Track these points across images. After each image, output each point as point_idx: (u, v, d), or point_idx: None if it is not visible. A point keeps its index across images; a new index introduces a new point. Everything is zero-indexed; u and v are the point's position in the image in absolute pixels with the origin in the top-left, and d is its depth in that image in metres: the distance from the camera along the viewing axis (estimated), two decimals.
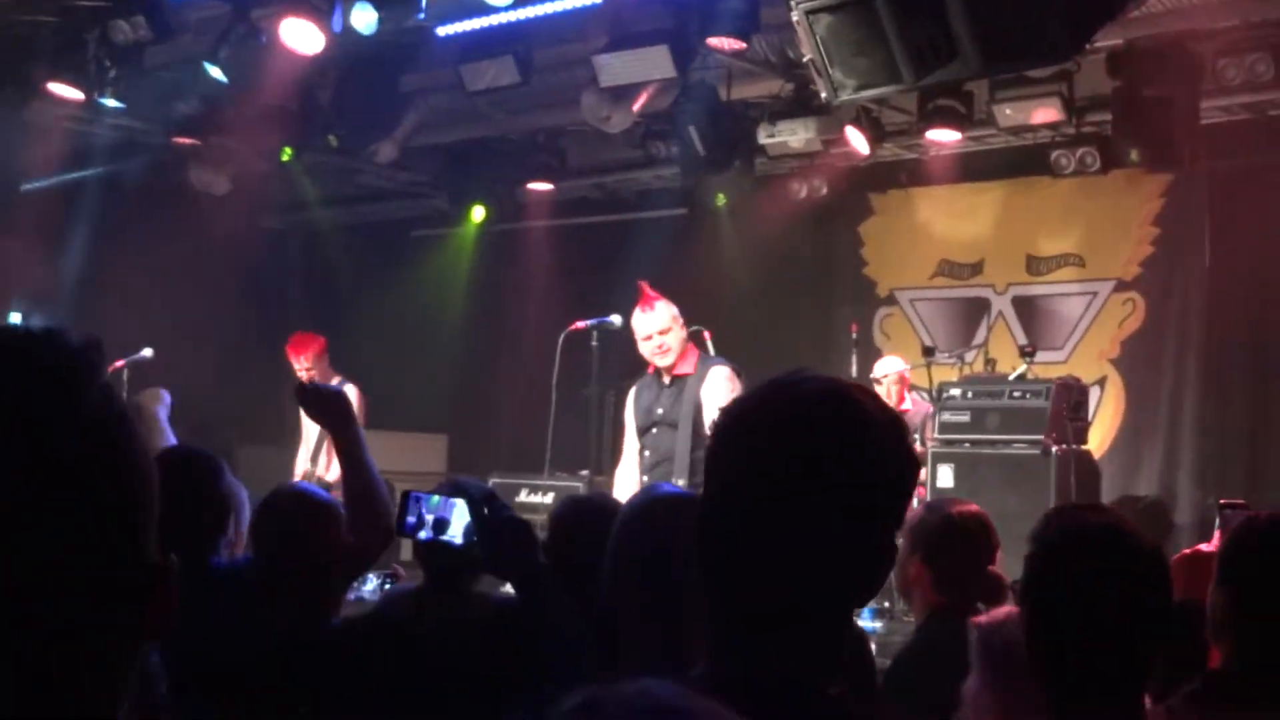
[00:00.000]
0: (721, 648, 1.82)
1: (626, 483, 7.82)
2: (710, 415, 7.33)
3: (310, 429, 10.19)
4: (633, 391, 8.00)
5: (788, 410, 1.83)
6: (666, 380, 7.75)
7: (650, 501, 3.21)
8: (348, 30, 9.10)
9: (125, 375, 9.55)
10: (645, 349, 7.69)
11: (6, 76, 10.76)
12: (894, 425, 1.86)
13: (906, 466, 1.88)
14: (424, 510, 3.41)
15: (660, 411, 7.75)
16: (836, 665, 1.81)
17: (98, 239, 12.94)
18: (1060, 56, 6.59)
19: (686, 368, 7.69)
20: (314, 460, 10.25)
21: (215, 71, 9.72)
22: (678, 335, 7.65)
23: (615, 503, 3.77)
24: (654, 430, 7.79)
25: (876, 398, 1.90)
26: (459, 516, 3.30)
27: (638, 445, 7.90)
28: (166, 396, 7.02)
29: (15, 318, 13.91)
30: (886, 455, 1.83)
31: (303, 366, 10.19)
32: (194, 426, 11.18)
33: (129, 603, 1.19)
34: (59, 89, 10.44)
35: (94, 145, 12.52)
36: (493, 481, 9.82)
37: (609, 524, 3.09)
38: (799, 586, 1.78)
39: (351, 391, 9.84)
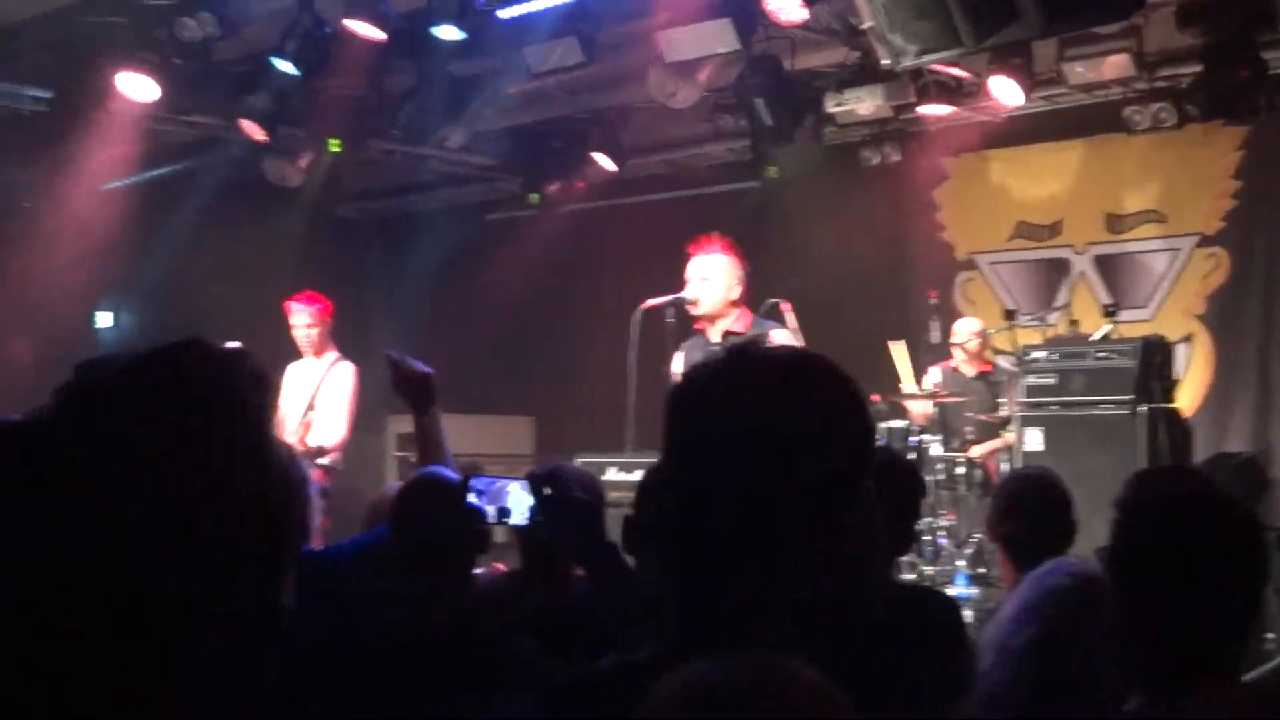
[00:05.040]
0: (680, 622, 1.80)
1: None
2: None
3: (291, 412, 9.60)
4: (679, 355, 7.55)
5: (745, 377, 1.80)
6: (717, 338, 7.39)
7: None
8: (411, 19, 9.14)
9: None
10: (686, 290, 7.41)
11: (78, 77, 10.89)
12: (852, 396, 1.84)
13: (863, 438, 1.85)
14: (482, 493, 3.41)
15: None
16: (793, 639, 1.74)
17: (177, 235, 13.06)
18: (1122, 13, 6.49)
19: (738, 326, 7.33)
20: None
21: (285, 65, 9.78)
22: (720, 289, 7.31)
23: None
24: None
25: (835, 367, 1.85)
26: (517, 499, 3.29)
27: None
28: None
29: (105, 318, 14.10)
30: (842, 424, 1.81)
31: (305, 323, 9.68)
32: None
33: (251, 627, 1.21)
34: (132, 89, 10.55)
35: (169, 142, 12.63)
36: (580, 461, 9.80)
37: None
38: (755, 558, 1.75)
39: (348, 370, 9.77)
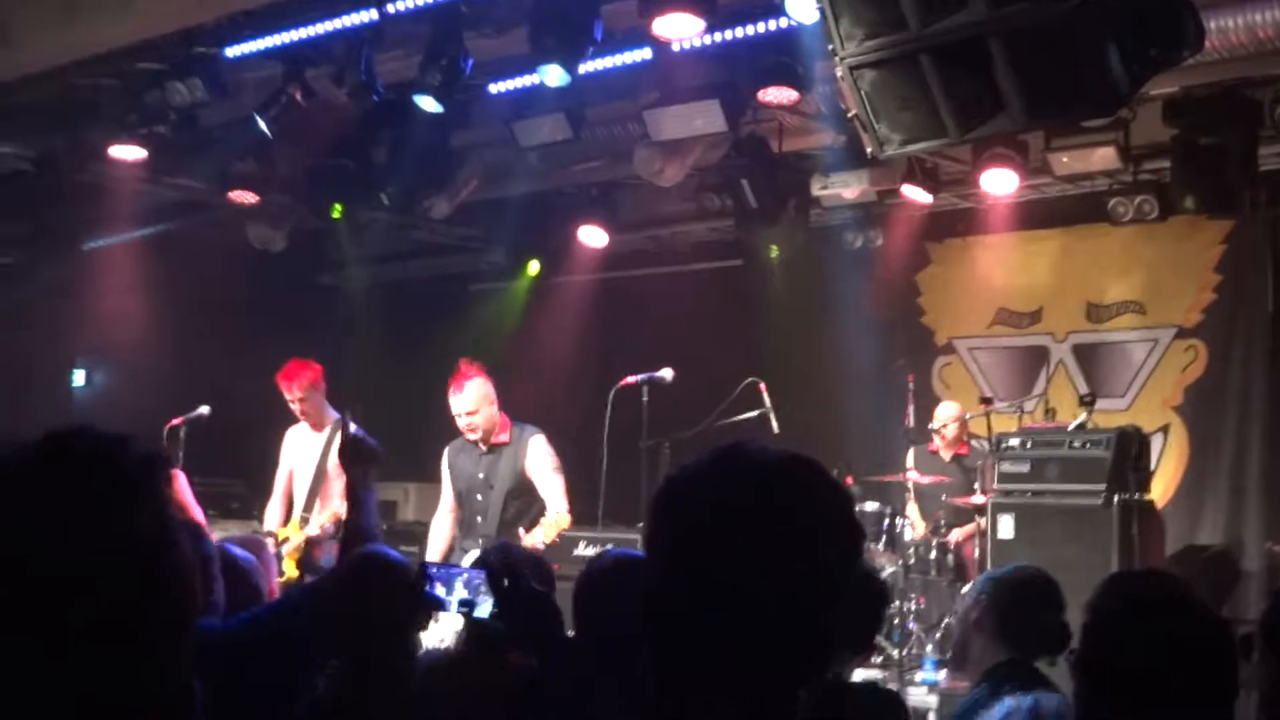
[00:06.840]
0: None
1: (440, 533, 8.58)
2: (543, 484, 8.18)
3: (299, 482, 9.48)
4: (449, 451, 8.61)
5: (736, 481, 1.78)
6: (484, 448, 8.35)
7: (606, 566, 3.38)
8: (400, 90, 9.17)
9: (183, 433, 9.57)
10: (459, 423, 8.30)
11: (66, 138, 10.89)
12: (843, 500, 1.82)
13: (853, 542, 1.83)
14: (446, 582, 3.35)
15: (481, 476, 8.38)
16: None
17: (158, 297, 13.03)
18: (1106, 110, 6.51)
19: (503, 437, 8.32)
20: (307, 510, 9.36)
21: (266, 130, 9.76)
22: (486, 414, 8.24)
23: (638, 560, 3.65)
24: (478, 496, 8.40)
25: (824, 470, 1.83)
26: (485, 589, 3.22)
27: (455, 504, 8.57)
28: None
29: (79, 376, 14.05)
30: (834, 529, 1.79)
31: (295, 397, 9.32)
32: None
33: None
34: (119, 151, 10.56)
35: (153, 204, 12.62)
36: None
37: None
38: (742, 659, 1.72)
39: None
